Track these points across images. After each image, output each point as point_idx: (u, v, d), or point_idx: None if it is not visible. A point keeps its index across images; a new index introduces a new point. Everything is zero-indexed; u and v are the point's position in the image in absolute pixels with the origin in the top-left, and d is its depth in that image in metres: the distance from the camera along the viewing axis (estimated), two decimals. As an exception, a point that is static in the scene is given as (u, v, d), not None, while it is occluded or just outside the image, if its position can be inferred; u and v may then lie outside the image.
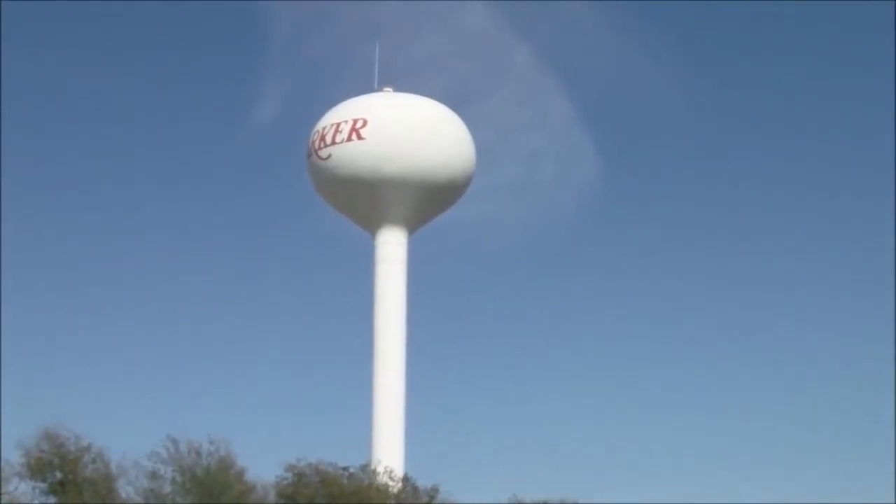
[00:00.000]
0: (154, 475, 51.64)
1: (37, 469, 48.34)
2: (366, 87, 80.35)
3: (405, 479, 60.94)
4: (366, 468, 59.25)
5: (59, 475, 48.93)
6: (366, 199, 77.71)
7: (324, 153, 77.83)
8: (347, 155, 76.93)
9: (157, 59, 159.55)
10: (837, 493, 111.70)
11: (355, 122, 77.27)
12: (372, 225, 78.49)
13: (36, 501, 48.49)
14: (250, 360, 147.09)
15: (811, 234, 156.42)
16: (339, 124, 77.72)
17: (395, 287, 76.99)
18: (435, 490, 60.28)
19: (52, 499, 48.61)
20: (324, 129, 78.42)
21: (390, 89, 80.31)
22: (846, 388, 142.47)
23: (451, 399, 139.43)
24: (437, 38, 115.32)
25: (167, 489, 51.87)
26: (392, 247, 77.51)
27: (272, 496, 55.43)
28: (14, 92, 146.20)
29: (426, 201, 78.67)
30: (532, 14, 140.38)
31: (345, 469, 57.57)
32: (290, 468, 56.21)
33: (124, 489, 50.80)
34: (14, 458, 48.26)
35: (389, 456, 68.96)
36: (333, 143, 77.41)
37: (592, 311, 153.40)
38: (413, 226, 79.04)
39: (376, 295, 76.90)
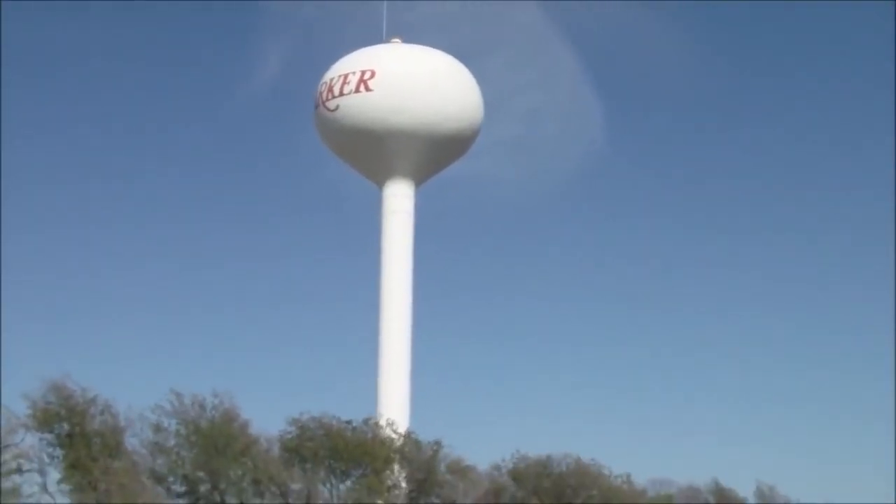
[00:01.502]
0: (158, 428, 51.96)
1: (43, 421, 48.46)
2: (374, 40, 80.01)
3: (408, 434, 61.24)
4: (369, 421, 59.56)
5: (66, 427, 49.10)
6: (373, 151, 77.33)
7: (331, 104, 77.32)
8: (355, 106, 76.40)
9: (165, 14, 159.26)
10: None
11: (363, 73, 76.67)
12: (379, 177, 78.15)
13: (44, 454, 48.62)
14: (256, 313, 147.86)
15: (814, 194, 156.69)
16: (346, 75, 77.16)
17: (402, 239, 76.82)
18: (438, 444, 60.74)
19: (58, 451, 48.81)
20: (332, 80, 77.83)
21: (398, 40, 79.71)
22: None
23: (457, 352, 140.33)
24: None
25: (171, 442, 52.22)
26: (399, 199, 77.19)
27: (276, 449, 55.84)
28: (22, 54, 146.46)
29: (434, 153, 78.28)
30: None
31: (348, 422, 57.91)
32: (293, 422, 56.65)
33: (129, 441, 51.18)
34: (20, 409, 48.38)
35: (395, 409, 69.28)
36: (341, 94, 76.86)
37: (596, 266, 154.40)
38: (420, 178, 78.75)
39: (383, 247, 76.67)
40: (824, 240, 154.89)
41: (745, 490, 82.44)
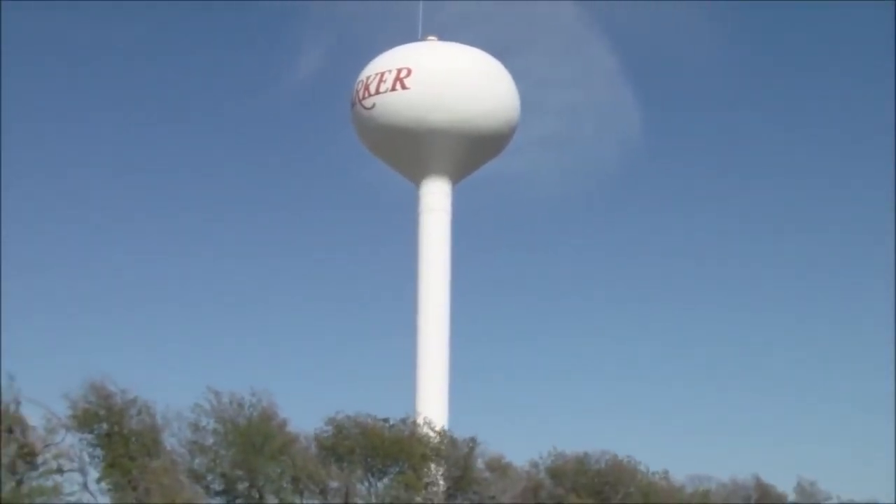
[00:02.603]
0: (196, 427, 52.39)
1: (84, 421, 49.05)
2: (409, 38, 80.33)
3: (443, 431, 61.40)
4: (405, 420, 59.81)
5: (105, 427, 49.65)
6: (410, 149, 77.65)
7: (368, 103, 77.74)
8: (392, 104, 76.84)
9: (203, 11, 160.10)
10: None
11: (399, 71, 77.05)
12: (417, 175, 78.49)
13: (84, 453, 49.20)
14: (294, 311, 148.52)
15: (858, 189, 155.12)
16: (383, 74, 77.56)
17: (439, 237, 77.11)
18: (473, 441, 60.91)
19: (98, 451, 49.37)
20: (368, 78, 78.25)
21: (434, 38, 79.90)
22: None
23: (494, 349, 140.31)
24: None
25: (210, 441, 52.64)
26: (437, 197, 77.50)
27: (314, 447, 56.15)
28: (62, 43, 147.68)
29: (471, 151, 78.54)
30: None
31: (384, 420, 58.19)
32: (330, 421, 56.97)
33: (168, 440, 51.65)
34: (61, 409, 48.99)
35: (433, 406, 69.68)
36: (378, 92, 77.30)
37: (634, 263, 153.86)
38: (457, 176, 78.99)
39: (420, 244, 77.10)
40: (869, 236, 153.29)
41: (786, 486, 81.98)
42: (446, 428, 65.59)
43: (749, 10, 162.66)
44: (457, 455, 60.43)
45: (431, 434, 60.11)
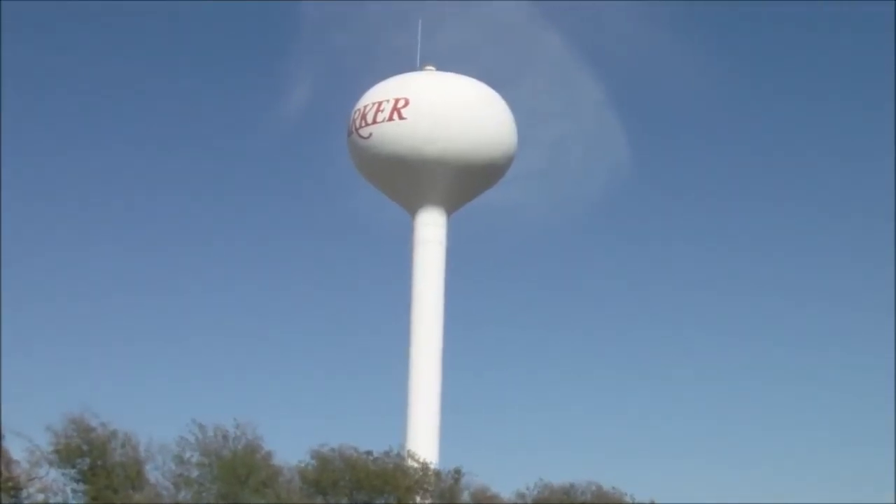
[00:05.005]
0: (181, 459, 53.03)
1: (66, 456, 49.69)
2: (408, 66, 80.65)
3: (425, 464, 61.72)
4: (389, 452, 60.25)
5: (88, 461, 50.31)
6: (406, 180, 77.97)
7: (365, 132, 78.14)
8: (388, 134, 77.16)
9: (196, 41, 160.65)
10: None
11: (397, 101, 77.40)
12: (412, 205, 78.70)
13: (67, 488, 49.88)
14: (284, 342, 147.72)
15: (837, 216, 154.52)
16: (380, 103, 77.91)
17: (433, 269, 77.26)
18: (458, 472, 61.33)
19: (81, 486, 50.02)
20: (365, 107, 78.63)
21: (432, 68, 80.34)
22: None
23: (484, 380, 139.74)
24: (467, 25, 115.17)
25: (195, 473, 53.26)
26: (431, 228, 77.62)
27: (297, 480, 56.70)
28: (60, 78, 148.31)
29: (467, 182, 78.81)
30: (562, 2, 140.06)
31: (368, 453, 58.65)
32: (314, 454, 57.49)
33: (152, 473, 52.29)
34: (43, 443, 49.62)
35: (424, 439, 69.93)
36: (375, 122, 77.63)
37: (624, 295, 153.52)
38: (453, 206, 79.18)
39: (414, 277, 77.26)
40: (865, 264, 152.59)
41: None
42: (437, 459, 66.07)
43: (738, 39, 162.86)
44: (442, 487, 60.86)
45: (416, 466, 60.52)
